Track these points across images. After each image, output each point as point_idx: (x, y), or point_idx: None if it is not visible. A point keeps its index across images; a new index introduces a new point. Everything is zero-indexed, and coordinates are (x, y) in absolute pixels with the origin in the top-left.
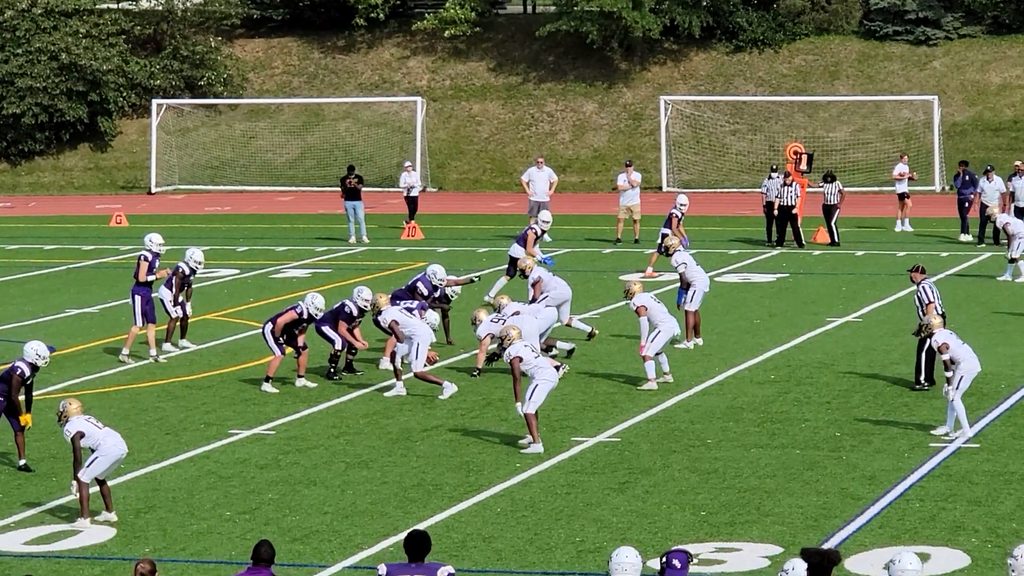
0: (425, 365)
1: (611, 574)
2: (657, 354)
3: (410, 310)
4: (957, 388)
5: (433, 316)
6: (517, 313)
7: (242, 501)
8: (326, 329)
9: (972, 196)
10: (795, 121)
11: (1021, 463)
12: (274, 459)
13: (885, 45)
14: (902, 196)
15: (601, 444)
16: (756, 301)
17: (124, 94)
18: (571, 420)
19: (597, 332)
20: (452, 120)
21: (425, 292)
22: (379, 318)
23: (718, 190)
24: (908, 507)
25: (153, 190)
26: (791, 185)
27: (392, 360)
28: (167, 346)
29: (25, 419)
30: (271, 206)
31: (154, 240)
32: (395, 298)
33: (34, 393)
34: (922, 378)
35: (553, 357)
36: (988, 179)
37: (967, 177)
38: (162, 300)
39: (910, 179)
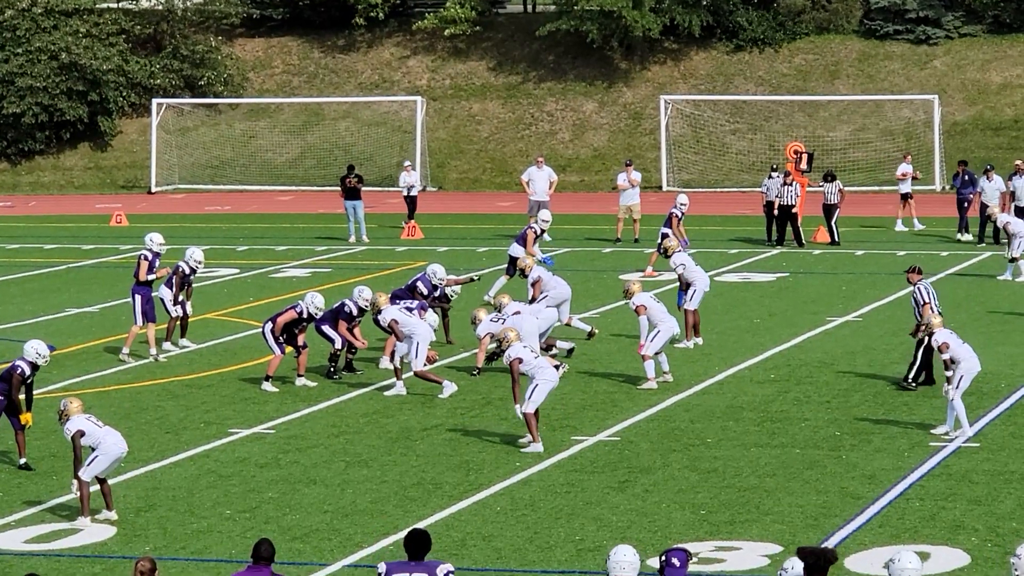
0: (425, 364)
1: (609, 573)
2: (657, 353)
3: (410, 309)
4: (957, 387)
5: (432, 316)
6: (518, 313)
7: (242, 500)
8: (326, 328)
9: (971, 196)
10: (795, 120)
11: (1021, 462)
12: (274, 458)
13: (885, 44)
14: (905, 196)
15: (601, 443)
16: (756, 300)
17: (124, 93)
18: (571, 419)
19: (597, 331)
20: (452, 119)
21: (425, 291)
22: (379, 317)
23: (718, 189)
24: (908, 506)
25: (153, 189)
26: (791, 184)
27: (392, 359)
28: (167, 345)
29: (25, 418)
30: (271, 205)
31: (154, 240)
32: (395, 297)
33: (34, 392)
34: (911, 376)
35: (553, 356)
36: (988, 178)
37: (966, 177)
38: (162, 299)
39: (914, 179)
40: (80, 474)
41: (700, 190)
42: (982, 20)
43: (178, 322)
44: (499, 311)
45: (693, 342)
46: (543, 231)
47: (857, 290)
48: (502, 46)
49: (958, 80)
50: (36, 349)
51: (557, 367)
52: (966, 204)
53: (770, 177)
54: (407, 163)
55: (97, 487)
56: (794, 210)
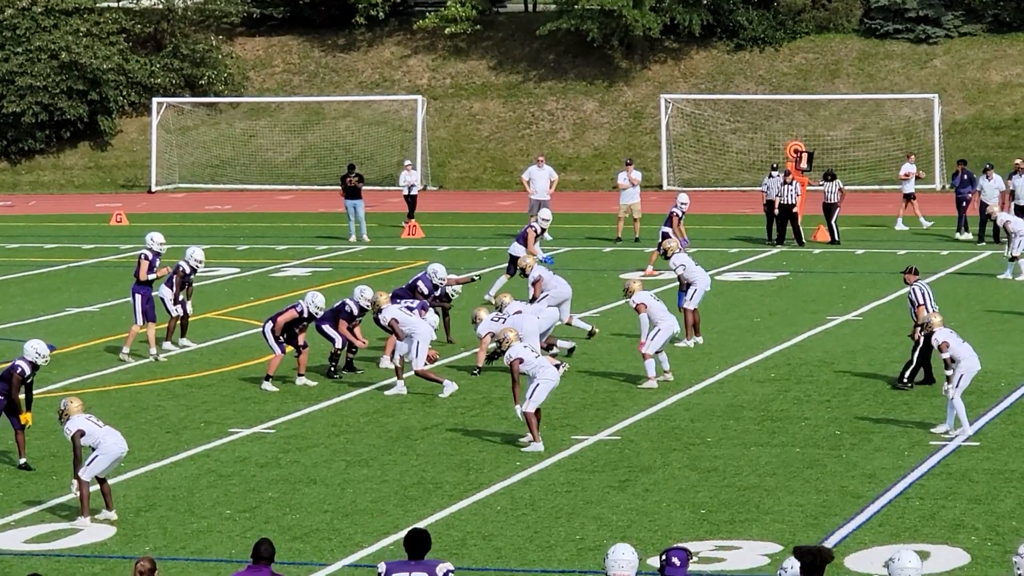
0: (425, 363)
1: (608, 571)
2: (657, 352)
3: (410, 309)
4: (957, 386)
5: (433, 316)
6: (519, 312)
7: (242, 499)
8: (326, 328)
9: (970, 195)
10: (795, 119)
11: (1021, 461)
12: (274, 457)
13: (886, 43)
14: (908, 196)
15: (601, 442)
16: (756, 299)
17: (124, 93)
18: (571, 418)
19: (597, 331)
20: (452, 119)
21: (426, 291)
22: (379, 316)
23: (718, 189)
24: (908, 505)
25: (153, 189)
26: (791, 184)
27: (392, 358)
28: (167, 345)
29: (25, 418)
30: (271, 205)
31: (155, 239)
32: (396, 297)
33: (34, 392)
34: (905, 377)
35: (554, 356)
36: (987, 177)
37: (965, 176)
38: (162, 299)
39: (917, 178)
40: (80, 474)
41: (700, 189)
42: (982, 19)
43: (178, 322)
44: (500, 310)
45: (693, 341)
46: (543, 230)
47: (857, 289)
48: (502, 45)
49: (958, 79)
50: (36, 349)
51: (558, 366)
52: (964, 203)
53: (770, 176)
54: (407, 162)
55: (97, 487)
56: (794, 209)
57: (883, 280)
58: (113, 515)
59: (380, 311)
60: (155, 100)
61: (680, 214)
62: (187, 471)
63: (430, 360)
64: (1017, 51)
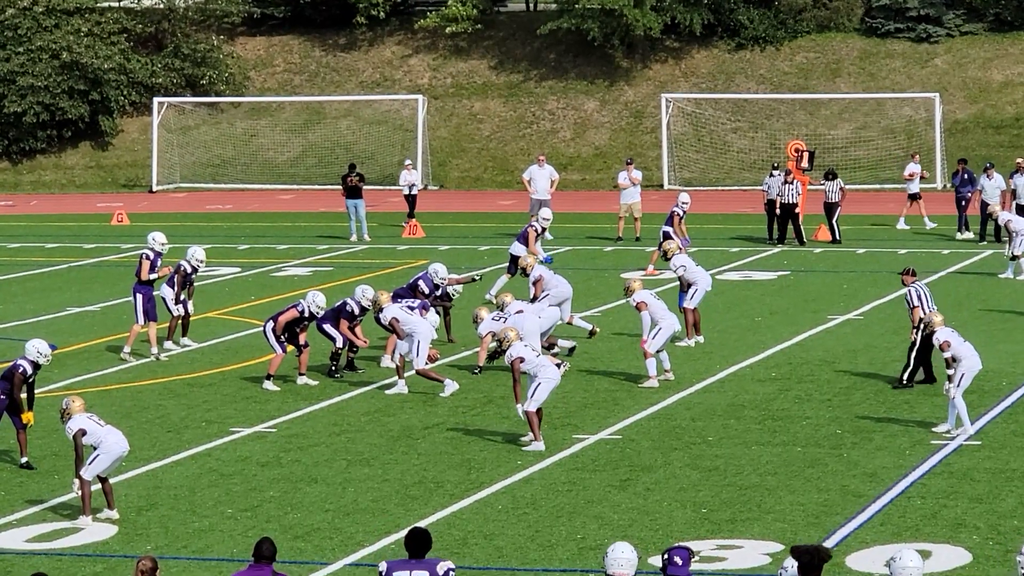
0: (426, 363)
1: (607, 570)
2: (658, 351)
3: (411, 308)
4: (958, 385)
5: (434, 315)
6: (521, 312)
7: (243, 499)
8: (327, 327)
9: (970, 194)
10: (796, 119)
11: (1022, 460)
12: (275, 457)
13: (887, 42)
14: (913, 196)
15: (602, 441)
16: (757, 299)
17: (125, 92)
18: (572, 417)
19: (598, 330)
20: (453, 118)
21: (427, 290)
22: (380, 316)
23: (719, 188)
24: (909, 504)
25: (154, 188)
26: (792, 183)
27: (393, 358)
28: (168, 344)
29: (27, 417)
30: (272, 204)
31: (157, 239)
32: (397, 296)
33: (36, 391)
34: (904, 378)
35: (554, 355)
36: (988, 177)
37: (965, 175)
38: (164, 298)
39: (922, 178)
40: (81, 473)
41: (701, 188)
42: (983, 18)
43: (179, 321)
44: (501, 310)
45: (694, 340)
46: (544, 229)
47: (858, 288)
48: (503, 45)
49: (959, 78)
50: (38, 348)
51: (559, 365)
52: (964, 202)
53: (771, 175)
54: (408, 162)
55: (98, 486)
56: (796, 208)
57: (884, 279)
58: (114, 514)
59: (381, 310)
60: (156, 100)
61: (681, 213)
62: (188, 470)
63: (431, 359)
64: (1018, 50)
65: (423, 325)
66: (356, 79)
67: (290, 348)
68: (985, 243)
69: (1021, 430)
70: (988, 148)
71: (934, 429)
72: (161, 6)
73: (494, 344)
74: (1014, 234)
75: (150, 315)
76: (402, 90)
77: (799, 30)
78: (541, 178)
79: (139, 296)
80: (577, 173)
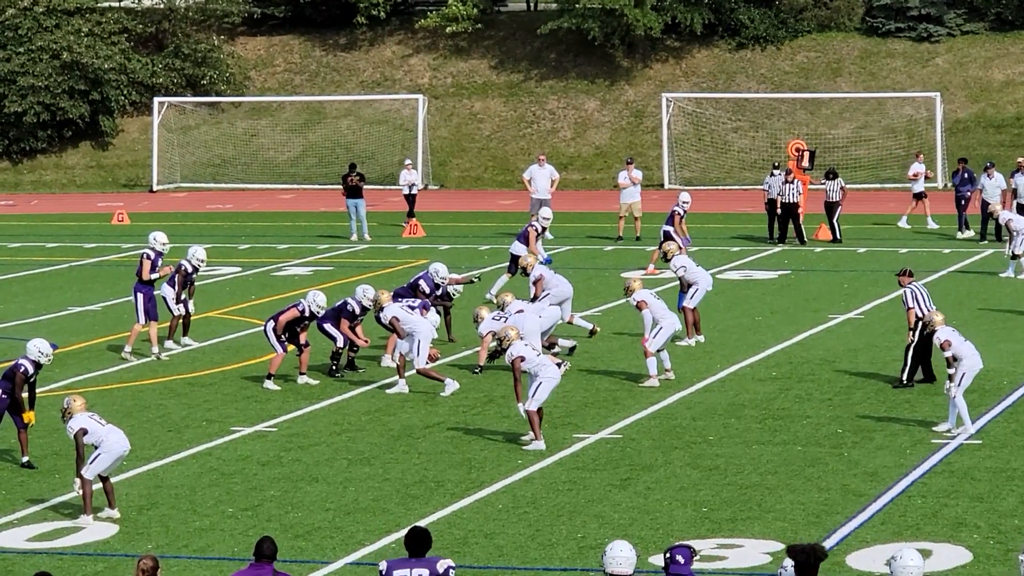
0: (427, 362)
1: (605, 568)
2: (658, 351)
3: (412, 308)
4: (959, 385)
5: (434, 315)
6: (521, 311)
7: (244, 498)
8: (328, 327)
9: (969, 193)
10: (797, 118)
11: (1023, 459)
12: (276, 456)
13: (887, 42)
14: (919, 195)
15: (603, 440)
16: (758, 298)
17: (126, 92)
18: (573, 417)
19: (599, 329)
20: (454, 118)
21: (427, 290)
22: (380, 315)
23: (720, 187)
24: (910, 503)
25: (155, 188)
26: (793, 182)
27: (393, 357)
28: (169, 344)
29: (28, 416)
30: (273, 204)
31: (158, 239)
32: (397, 296)
33: (37, 390)
34: (904, 378)
35: (555, 355)
36: (989, 176)
37: (966, 174)
38: (164, 298)
39: (926, 178)
40: (82, 472)
41: (702, 188)
42: (984, 17)
43: (180, 320)
44: (502, 309)
45: (695, 339)
46: (544, 229)
47: (859, 288)
48: (504, 44)
49: (960, 77)
50: (39, 348)
51: (559, 365)
52: (964, 202)
53: (772, 175)
54: (407, 161)
55: (99, 485)
56: (797, 208)
57: (885, 279)
58: (115, 513)
59: (381, 309)
60: (156, 100)
61: (682, 213)
62: (189, 469)
63: (432, 359)
64: (1019, 49)
65: (424, 324)
66: (356, 79)
67: (291, 347)
68: (986, 242)
69: (1022, 429)
70: (989, 147)
71: (935, 428)
72: (161, 6)
73: (494, 343)
74: (1015, 233)
75: (151, 314)
76: (402, 90)
77: (800, 29)
78: (541, 178)
79: (140, 296)
80: (577, 173)
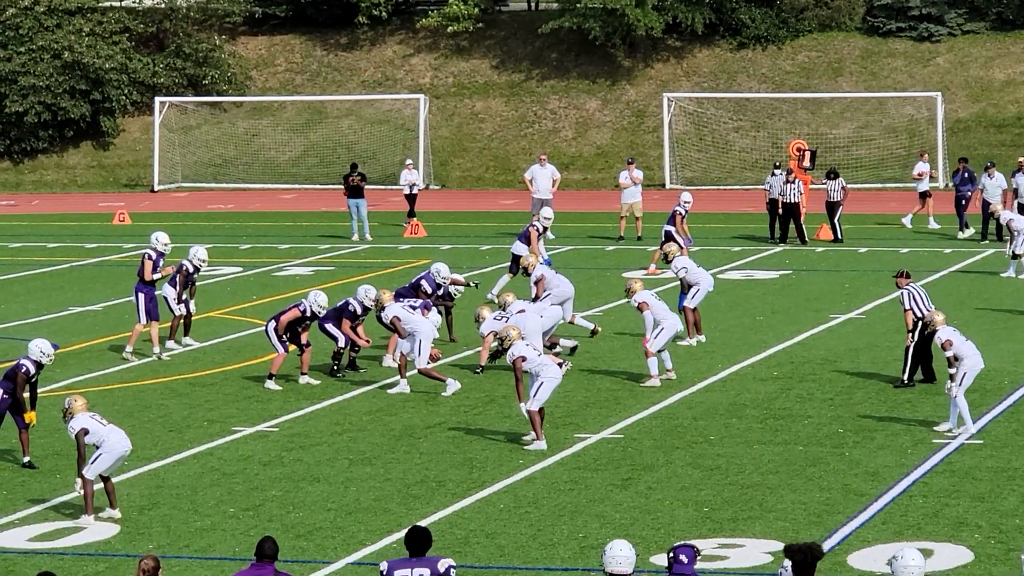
0: (428, 362)
1: (605, 567)
2: (660, 351)
3: (413, 308)
4: (960, 384)
5: (436, 315)
6: (522, 311)
7: (246, 498)
8: (329, 327)
9: (969, 193)
10: (798, 118)
11: None
12: (277, 456)
13: (888, 41)
14: (923, 195)
15: (604, 440)
16: (759, 298)
17: (127, 92)
18: (574, 417)
19: (600, 329)
20: (455, 117)
21: (429, 290)
22: (381, 315)
23: (721, 187)
24: (911, 503)
25: (156, 188)
26: (794, 182)
27: (394, 356)
28: (170, 344)
29: (29, 416)
30: (274, 204)
31: (160, 239)
32: (399, 296)
33: (38, 391)
34: (905, 378)
35: (556, 354)
36: (989, 176)
37: (966, 174)
38: (166, 298)
39: (931, 177)
40: (84, 472)
41: (703, 188)
42: (985, 17)
43: (181, 321)
44: (503, 309)
45: (696, 339)
46: (545, 229)
47: (860, 287)
48: (505, 44)
49: (961, 77)
50: (41, 348)
51: (560, 365)
52: (964, 201)
53: (773, 175)
54: (408, 161)
55: (101, 485)
56: (798, 208)
57: (886, 278)
58: (117, 513)
59: (383, 309)
60: (158, 99)
61: (683, 212)
62: (190, 469)
63: (433, 359)
64: (1021, 49)
65: (425, 324)
66: (358, 79)
67: (292, 348)
68: (987, 242)
69: (1023, 429)
70: (990, 147)
71: (936, 428)
72: (163, 6)
73: (496, 343)
74: (1016, 233)
75: (152, 314)
76: (404, 89)
77: (801, 29)
78: (543, 177)
79: (141, 296)
80: (579, 172)
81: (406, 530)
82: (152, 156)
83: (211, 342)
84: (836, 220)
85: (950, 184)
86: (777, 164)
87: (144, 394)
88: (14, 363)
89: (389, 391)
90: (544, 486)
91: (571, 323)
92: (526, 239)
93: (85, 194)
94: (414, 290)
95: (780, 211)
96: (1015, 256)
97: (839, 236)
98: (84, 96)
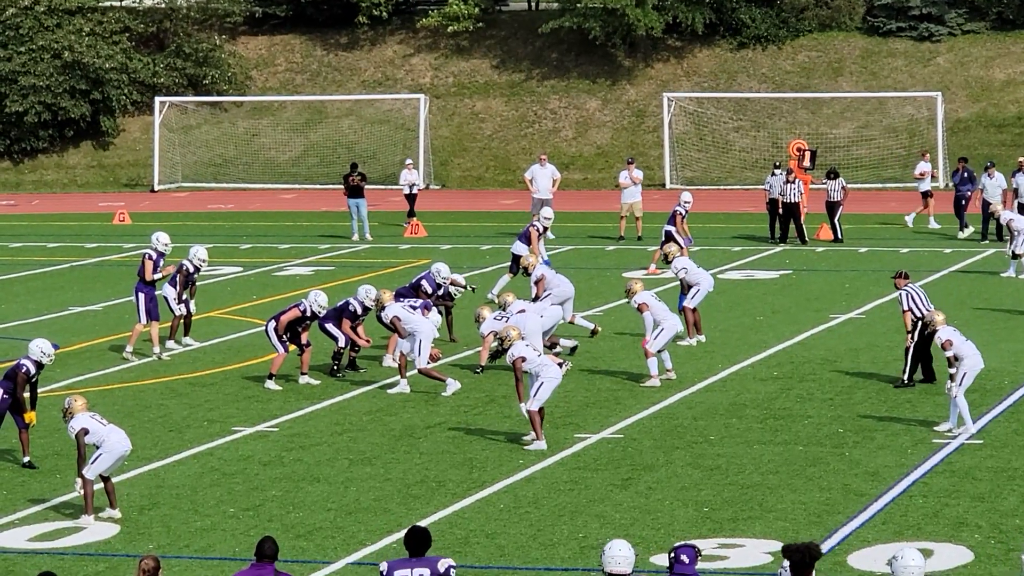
0: (428, 362)
1: (604, 567)
2: (660, 351)
3: (413, 307)
4: (960, 384)
5: (436, 315)
6: (523, 311)
7: (246, 498)
8: (329, 326)
9: (969, 193)
10: (798, 118)
11: None
12: (277, 456)
13: (889, 41)
14: (925, 195)
15: (604, 440)
16: (759, 298)
17: (127, 92)
18: (574, 416)
19: (600, 329)
20: (455, 117)
21: (429, 290)
22: (382, 314)
23: (721, 187)
24: (911, 503)
25: (156, 188)
26: (794, 182)
27: (394, 356)
28: (171, 343)
29: (29, 416)
30: (274, 203)
31: (160, 239)
32: (399, 296)
33: (39, 391)
34: (905, 378)
35: (556, 354)
36: (989, 175)
37: (965, 174)
38: (166, 298)
39: (932, 177)
40: (84, 472)
41: (703, 188)
42: (985, 17)
43: (182, 320)
44: (503, 309)
45: (696, 339)
46: (546, 229)
47: (860, 287)
48: (505, 44)
49: (961, 77)
50: (41, 348)
51: (560, 365)
52: (964, 201)
53: (773, 174)
54: (408, 161)
55: (101, 485)
56: (798, 208)
57: (886, 278)
58: (117, 513)
59: (383, 309)
60: (158, 99)
61: (684, 212)
62: (190, 469)
63: (433, 359)
64: (1021, 49)
65: (425, 324)
66: (358, 78)
67: (292, 347)
68: (987, 242)
69: (1023, 429)
70: (990, 147)
71: (936, 428)
72: (163, 5)
73: (496, 343)
74: (1016, 232)
75: (152, 314)
76: (404, 89)
77: (801, 29)
78: (543, 177)
79: (141, 295)
80: (579, 172)
81: (405, 530)
82: (152, 156)
83: (211, 342)
84: (836, 220)
85: (950, 184)
86: (777, 164)
87: (144, 394)
88: (14, 363)
89: (389, 391)
90: (544, 486)
91: (571, 323)
92: (526, 239)
93: (85, 194)
94: (414, 290)
95: (780, 211)
96: (1015, 256)
97: (839, 236)
98: (84, 96)
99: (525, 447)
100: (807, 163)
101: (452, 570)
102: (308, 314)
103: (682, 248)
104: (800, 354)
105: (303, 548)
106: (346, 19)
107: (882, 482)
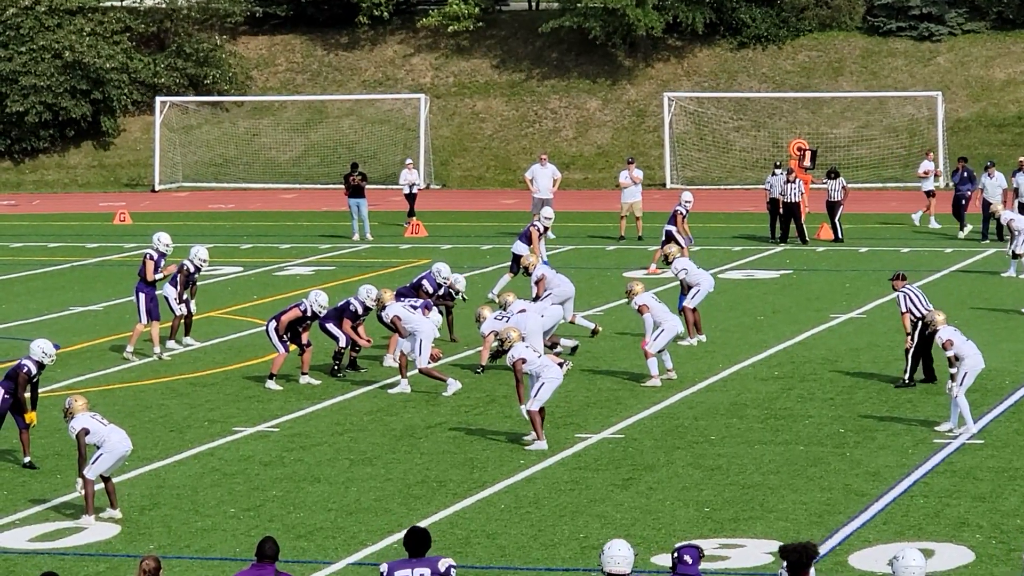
0: (429, 362)
1: (603, 567)
2: (660, 351)
3: (414, 307)
4: (961, 384)
5: (437, 315)
6: (523, 311)
7: (246, 498)
8: (330, 326)
9: (969, 192)
10: (799, 117)
11: None
12: (278, 456)
13: (889, 41)
14: (929, 194)
15: (605, 440)
16: (760, 297)
17: (128, 92)
18: (575, 416)
19: (600, 329)
20: (456, 117)
21: (430, 290)
22: (382, 314)
23: (722, 187)
24: (912, 503)
25: (157, 188)
26: (795, 181)
27: (394, 356)
28: (171, 343)
29: (30, 417)
30: (275, 203)
31: (162, 239)
32: (400, 295)
33: (39, 391)
34: (906, 378)
35: (557, 354)
36: (989, 175)
37: (965, 173)
38: (166, 297)
39: (936, 176)
40: (84, 472)
41: (704, 187)
42: (985, 16)
43: (182, 320)
44: (504, 309)
45: (696, 339)
46: (546, 228)
47: (861, 287)
48: (505, 43)
49: (962, 77)
50: (42, 348)
51: (561, 365)
52: (964, 201)
53: (773, 174)
54: (408, 161)
55: (101, 485)
56: (799, 208)
57: (886, 278)
58: (117, 513)
59: (384, 308)
60: (158, 99)
61: (684, 212)
62: (191, 469)
63: (434, 358)
64: (1021, 48)
65: (425, 324)
66: (358, 78)
67: (292, 347)
68: (987, 242)
69: None
70: (990, 147)
71: (937, 428)
72: (163, 5)
73: (496, 344)
74: (1016, 232)
75: (153, 314)
76: (404, 89)
77: (801, 28)
78: (543, 177)
79: (142, 296)
80: (579, 172)
81: (405, 530)
82: (153, 156)
83: (212, 342)
84: (837, 220)
85: (950, 183)
86: (778, 164)
87: (145, 394)
88: (15, 363)
89: (390, 391)
90: (545, 486)
91: (572, 323)
92: (527, 239)
93: (86, 194)
94: (415, 290)
95: (781, 211)
96: (1015, 256)
97: (840, 236)
98: (85, 96)
99: (526, 447)
100: (807, 163)
101: (453, 570)
102: (309, 314)
103: (683, 248)
104: (801, 354)
105: (304, 548)
106: (346, 19)
107: (883, 482)
